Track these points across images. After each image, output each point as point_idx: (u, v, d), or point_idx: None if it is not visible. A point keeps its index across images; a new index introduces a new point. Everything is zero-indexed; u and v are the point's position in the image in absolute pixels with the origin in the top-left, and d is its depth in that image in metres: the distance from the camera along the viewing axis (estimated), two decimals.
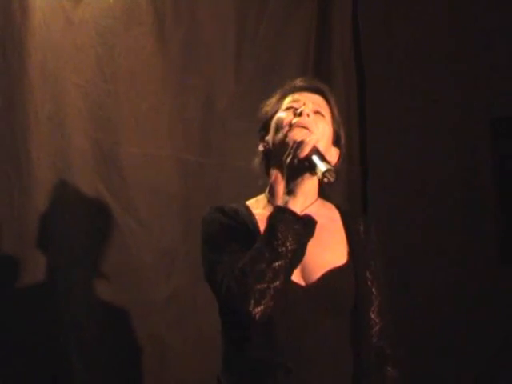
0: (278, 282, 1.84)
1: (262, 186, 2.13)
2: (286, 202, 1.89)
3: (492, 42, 3.04)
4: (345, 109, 3.01)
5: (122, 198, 2.86)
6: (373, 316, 2.02)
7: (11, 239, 2.72)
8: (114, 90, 2.87)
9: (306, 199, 1.92)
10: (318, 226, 1.93)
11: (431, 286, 3.00)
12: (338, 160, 2.10)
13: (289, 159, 1.91)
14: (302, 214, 1.89)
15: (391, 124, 3.10)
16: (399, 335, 2.08)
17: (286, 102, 2.08)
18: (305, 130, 1.97)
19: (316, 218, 1.92)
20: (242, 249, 1.90)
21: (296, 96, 2.08)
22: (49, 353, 2.71)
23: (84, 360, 2.73)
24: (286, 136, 1.99)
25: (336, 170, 1.98)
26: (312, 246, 1.93)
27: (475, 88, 3.04)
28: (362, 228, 2.08)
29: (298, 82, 2.13)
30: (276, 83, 2.82)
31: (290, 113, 2.03)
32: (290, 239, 1.85)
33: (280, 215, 1.87)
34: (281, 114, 2.05)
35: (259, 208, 2.06)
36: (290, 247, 1.85)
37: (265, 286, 1.83)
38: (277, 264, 1.84)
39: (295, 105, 2.05)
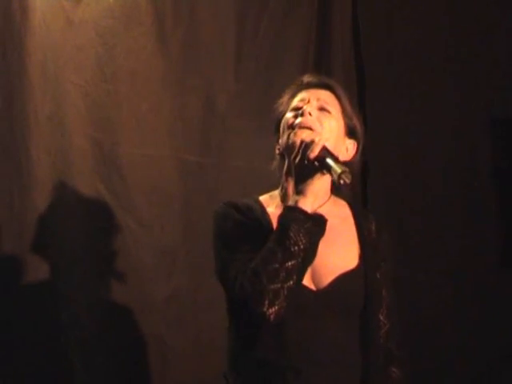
0: (291, 282, 1.83)
1: (269, 186, 2.12)
2: (296, 202, 1.88)
3: (492, 41, 3.03)
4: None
5: (122, 198, 2.86)
6: (381, 317, 2.03)
7: (11, 239, 2.73)
8: (113, 90, 2.88)
9: (316, 199, 1.91)
10: (329, 227, 1.93)
11: (431, 287, 3.00)
12: (357, 151, 2.08)
13: (298, 159, 1.90)
14: (315, 212, 1.88)
15: (391, 124, 3.09)
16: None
17: (294, 101, 2.06)
18: (308, 130, 1.96)
19: (328, 217, 1.92)
20: (255, 247, 1.89)
21: (303, 94, 2.06)
22: (49, 353, 2.71)
23: (84, 360, 2.74)
24: (289, 138, 1.98)
25: (355, 162, 2.03)
26: (323, 248, 1.92)
27: (475, 88, 3.04)
28: (373, 227, 2.07)
29: (305, 79, 2.11)
30: (276, 83, 2.86)
31: (294, 113, 2.02)
32: (301, 238, 1.84)
33: (291, 214, 1.87)
34: (287, 115, 2.04)
35: (272, 206, 2.04)
36: (302, 246, 1.84)
37: (278, 286, 1.82)
38: (289, 264, 1.83)
39: (301, 104, 2.03)
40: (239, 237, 1.96)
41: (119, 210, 2.85)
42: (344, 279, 1.97)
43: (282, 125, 2.05)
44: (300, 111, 2.01)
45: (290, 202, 1.90)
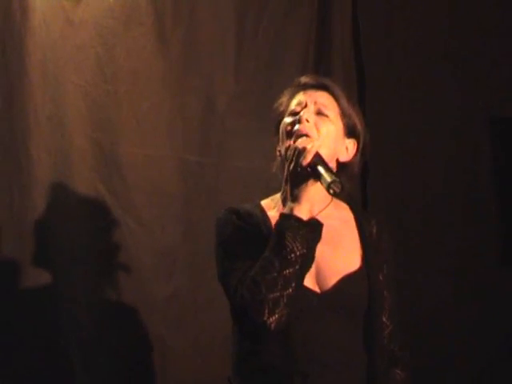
0: (290, 290, 1.84)
1: (269, 186, 2.13)
2: (292, 209, 1.89)
3: (492, 42, 3.03)
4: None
5: (122, 198, 2.86)
6: (384, 319, 2.03)
7: (11, 239, 2.73)
8: (114, 90, 2.88)
9: (312, 205, 1.92)
10: (331, 230, 1.94)
11: (431, 286, 3.00)
12: (357, 150, 2.09)
13: (291, 166, 1.91)
14: (310, 218, 1.89)
15: (391, 124, 3.09)
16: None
17: (292, 104, 2.06)
18: (305, 138, 1.96)
19: (329, 220, 1.94)
20: (256, 253, 1.89)
21: (300, 97, 2.06)
22: (49, 353, 2.71)
23: (84, 360, 2.74)
24: (288, 146, 1.98)
25: (356, 161, 2.05)
26: (326, 251, 1.94)
27: (475, 88, 3.04)
28: (374, 230, 2.07)
29: (303, 80, 2.11)
30: (276, 83, 2.86)
31: (292, 119, 2.02)
32: (297, 245, 1.85)
33: (286, 222, 1.88)
34: (285, 120, 2.04)
35: (274, 209, 2.04)
36: (298, 253, 1.85)
37: (277, 294, 1.83)
38: (287, 271, 1.84)
39: (298, 108, 2.03)
40: (239, 243, 1.97)
41: (119, 210, 2.85)
42: (347, 281, 1.97)
43: (280, 128, 2.05)
44: (297, 117, 2.01)
45: (286, 210, 1.91)
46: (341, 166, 2.06)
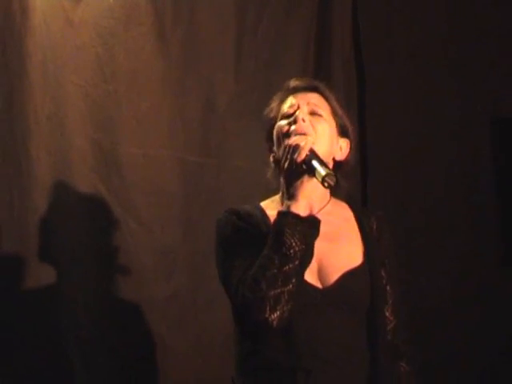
0: (290, 286, 1.85)
1: (268, 187, 2.13)
2: (289, 207, 1.90)
3: (492, 42, 3.03)
4: (345, 108, 3.01)
5: (122, 198, 2.86)
6: (387, 314, 2.04)
7: (11, 239, 2.73)
8: (114, 90, 2.88)
9: (310, 202, 1.93)
10: (332, 226, 1.97)
11: (431, 286, 3.00)
12: (350, 150, 2.11)
13: (286, 164, 1.92)
14: (308, 214, 1.90)
15: (391, 124, 3.09)
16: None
17: (284, 107, 2.07)
18: (299, 136, 1.97)
19: (330, 218, 1.96)
20: (256, 252, 1.90)
21: (291, 99, 2.08)
22: (49, 353, 2.71)
23: (84, 360, 2.74)
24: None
25: (350, 161, 2.06)
26: (327, 247, 1.96)
27: (475, 88, 3.04)
28: (375, 226, 2.08)
29: (292, 83, 2.13)
30: (276, 83, 2.83)
31: (287, 121, 2.03)
32: (296, 241, 1.86)
33: (284, 219, 1.89)
34: (279, 123, 2.05)
35: (274, 210, 2.04)
36: (297, 248, 1.86)
37: (278, 291, 1.84)
38: (287, 267, 1.85)
39: (291, 110, 2.05)
40: (239, 242, 1.97)
41: (119, 210, 2.85)
42: (349, 277, 1.98)
43: (275, 132, 2.06)
44: (292, 118, 2.02)
45: (283, 208, 1.92)
46: (337, 164, 2.08)
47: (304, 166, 1.90)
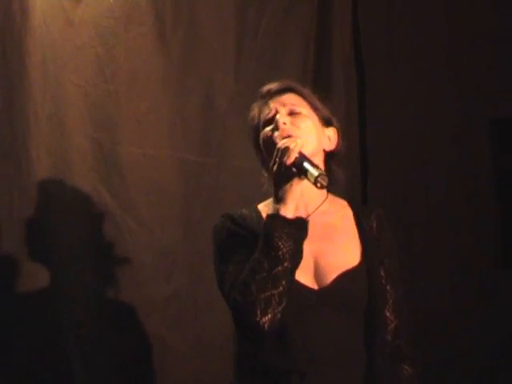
0: (280, 288, 1.85)
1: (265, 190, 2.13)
2: (277, 210, 1.90)
3: (492, 42, 3.03)
4: (345, 109, 3.01)
5: (122, 198, 2.86)
6: (388, 314, 2.02)
7: (11, 239, 2.73)
8: (114, 90, 2.88)
9: (299, 203, 1.92)
10: (328, 226, 1.97)
11: (431, 287, 3.00)
12: (339, 137, 2.11)
13: (275, 167, 1.91)
14: (296, 216, 1.89)
15: (391, 124, 3.09)
16: None
17: (263, 114, 2.07)
18: (287, 138, 1.96)
19: (326, 217, 1.96)
20: (249, 256, 1.90)
21: (269, 105, 2.07)
22: (48, 353, 2.71)
23: (83, 360, 2.74)
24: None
25: (341, 149, 2.08)
26: (323, 248, 1.96)
27: (475, 88, 3.04)
28: (374, 225, 2.07)
29: (266, 88, 2.12)
30: None
31: (270, 128, 2.03)
32: (284, 243, 1.86)
33: (272, 222, 1.89)
34: (263, 131, 2.05)
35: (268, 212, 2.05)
36: (285, 250, 1.86)
37: (268, 293, 1.84)
38: (276, 270, 1.85)
39: (270, 115, 2.05)
40: (233, 248, 1.98)
41: (119, 209, 2.85)
42: (346, 277, 1.97)
43: (261, 140, 2.06)
44: (274, 125, 2.02)
45: (272, 211, 1.92)
46: (328, 155, 2.08)
47: (294, 169, 1.90)
